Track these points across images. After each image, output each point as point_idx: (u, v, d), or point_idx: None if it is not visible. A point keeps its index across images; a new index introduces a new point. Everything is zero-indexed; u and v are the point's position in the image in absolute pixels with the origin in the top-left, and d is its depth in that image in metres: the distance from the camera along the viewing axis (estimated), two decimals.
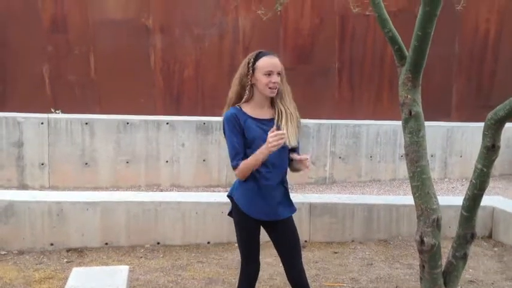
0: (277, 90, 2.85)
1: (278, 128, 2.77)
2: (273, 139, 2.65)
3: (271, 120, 2.85)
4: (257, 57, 2.84)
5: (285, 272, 2.99)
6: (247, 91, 2.86)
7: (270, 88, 2.82)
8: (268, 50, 2.93)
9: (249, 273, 3.01)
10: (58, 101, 7.29)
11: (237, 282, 3.04)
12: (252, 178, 2.86)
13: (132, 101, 7.40)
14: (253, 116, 2.86)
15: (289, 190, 3.00)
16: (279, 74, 2.83)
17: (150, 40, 7.56)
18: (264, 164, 2.80)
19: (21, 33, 7.23)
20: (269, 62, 2.84)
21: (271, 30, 7.81)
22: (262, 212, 2.89)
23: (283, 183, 2.93)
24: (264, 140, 2.71)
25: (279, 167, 2.89)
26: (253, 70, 2.83)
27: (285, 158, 2.91)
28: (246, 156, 2.82)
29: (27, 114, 6.71)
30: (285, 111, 2.86)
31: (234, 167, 2.84)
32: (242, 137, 2.84)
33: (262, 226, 2.96)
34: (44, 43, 7.26)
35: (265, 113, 2.88)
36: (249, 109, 2.87)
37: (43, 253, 4.45)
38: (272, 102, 2.90)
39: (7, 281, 3.91)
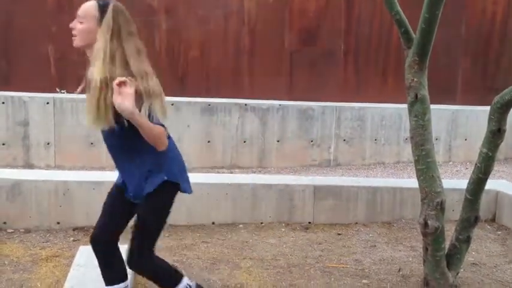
0: (86, 42, 2.47)
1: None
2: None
3: None
4: None
5: None
6: None
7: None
8: None
9: None
10: (63, 81, 7.29)
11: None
12: None
13: None
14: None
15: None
16: (79, 20, 2.46)
17: (155, 21, 7.52)
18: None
19: (26, 13, 7.20)
20: None
21: (276, 11, 7.77)
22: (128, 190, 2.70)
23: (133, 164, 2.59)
24: None
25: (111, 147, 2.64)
26: None
27: (117, 139, 2.54)
28: None
29: (32, 93, 6.73)
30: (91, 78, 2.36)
31: None
32: None
33: None
34: (49, 23, 7.24)
35: None
36: None
37: (49, 231, 4.49)
38: None
39: (14, 258, 3.96)
